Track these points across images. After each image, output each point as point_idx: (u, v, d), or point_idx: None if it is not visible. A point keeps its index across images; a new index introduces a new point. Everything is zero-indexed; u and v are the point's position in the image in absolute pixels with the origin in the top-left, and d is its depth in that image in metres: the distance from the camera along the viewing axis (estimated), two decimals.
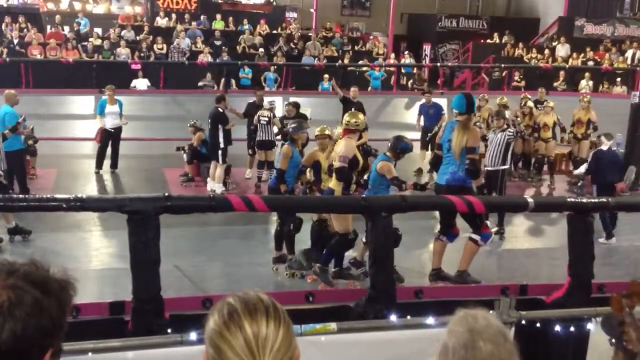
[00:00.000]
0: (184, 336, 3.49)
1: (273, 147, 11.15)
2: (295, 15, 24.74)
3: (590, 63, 21.21)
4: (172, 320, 4.28)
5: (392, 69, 20.50)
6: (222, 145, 10.81)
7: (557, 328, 4.07)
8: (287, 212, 6.77)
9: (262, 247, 7.97)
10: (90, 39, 19.36)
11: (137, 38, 19.89)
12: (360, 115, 7.44)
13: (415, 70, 20.71)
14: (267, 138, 11.24)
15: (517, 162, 12.76)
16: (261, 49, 19.85)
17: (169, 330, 3.98)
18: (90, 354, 3.35)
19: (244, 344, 1.40)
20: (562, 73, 19.78)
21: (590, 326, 3.94)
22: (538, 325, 4.09)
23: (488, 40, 23.89)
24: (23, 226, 8.13)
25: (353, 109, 10.09)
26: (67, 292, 1.39)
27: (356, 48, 22.13)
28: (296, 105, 11.75)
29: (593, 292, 4.93)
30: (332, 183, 6.89)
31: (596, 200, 5.88)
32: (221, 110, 10.87)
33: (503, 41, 23.22)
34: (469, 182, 6.70)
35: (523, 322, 4.00)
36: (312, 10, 24.94)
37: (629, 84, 19.07)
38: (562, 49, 22.00)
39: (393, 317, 4.12)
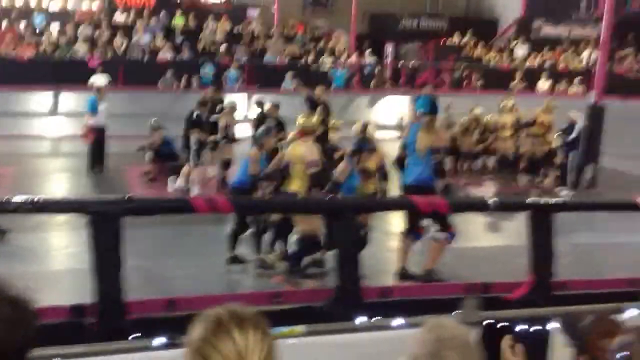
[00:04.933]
0: (149, 340, 3.44)
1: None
2: (256, 13, 24.62)
3: (548, 64, 21.64)
4: (136, 323, 4.22)
5: (354, 67, 20.59)
6: (194, 147, 10.71)
7: (519, 327, 4.13)
8: (254, 213, 6.76)
9: (236, 246, 7.89)
10: (47, 36, 18.97)
11: (96, 34, 19.55)
12: (314, 118, 7.59)
13: (377, 69, 20.83)
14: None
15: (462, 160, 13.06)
16: (222, 47, 19.71)
17: (134, 334, 3.92)
18: None
19: (235, 353, 1.48)
20: (519, 73, 20.15)
21: (551, 325, 4.00)
22: (502, 324, 4.14)
23: (449, 40, 24.17)
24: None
25: (319, 108, 10.17)
26: (30, 311, 1.44)
27: (318, 47, 22.15)
28: (268, 105, 11.71)
29: (554, 290, 5.03)
30: (296, 185, 6.90)
31: (555, 200, 6.00)
32: (196, 116, 10.73)
33: (463, 41, 23.53)
34: (434, 182, 6.77)
35: (487, 321, 4.05)
36: (273, 8, 24.86)
37: (585, 84, 19.53)
38: (520, 50, 22.39)
39: (360, 318, 4.14)
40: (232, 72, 18.19)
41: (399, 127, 15.64)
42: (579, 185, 12.10)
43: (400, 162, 7.07)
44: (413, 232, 6.80)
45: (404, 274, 6.81)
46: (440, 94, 13.98)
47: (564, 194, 11.59)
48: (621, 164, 13.14)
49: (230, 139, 11.39)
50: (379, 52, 23.62)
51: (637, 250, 7.40)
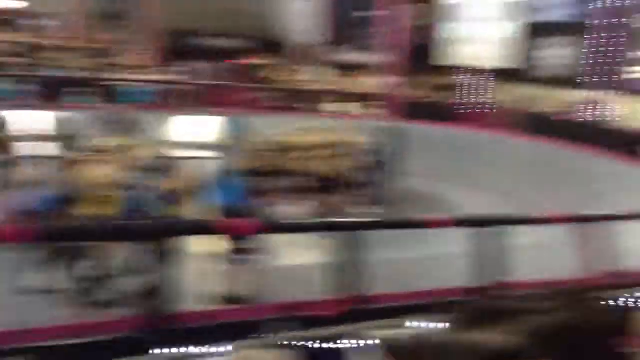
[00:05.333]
0: None
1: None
2: (45, 22, 23.09)
3: (339, 87, 22.98)
4: None
5: (152, 84, 20.08)
6: None
7: (327, 345, 4.20)
8: (58, 240, 6.24)
9: (25, 275, 7.20)
10: None
11: None
12: (115, 140, 7.34)
13: (176, 87, 20.54)
14: None
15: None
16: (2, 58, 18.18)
17: None
18: None
19: None
20: (308, 95, 21.33)
21: (365, 342, 4.10)
22: (313, 344, 4.19)
23: (246, 60, 24.64)
24: None
25: (117, 127, 9.76)
26: None
27: (113, 61, 21.30)
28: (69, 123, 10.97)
29: (368, 304, 5.23)
30: (91, 209, 6.54)
31: (363, 218, 6.27)
32: None
33: (260, 62, 24.18)
34: (245, 203, 6.77)
35: (300, 342, 4.07)
36: (65, 18, 23.50)
37: (378, 108, 21.11)
38: (309, 72, 23.67)
39: (174, 347, 3.96)
40: (6, 86, 16.75)
41: (202, 147, 15.53)
42: (384, 204, 12.80)
43: (211, 185, 6.98)
44: (229, 254, 6.73)
45: (222, 298, 6.72)
46: (241, 114, 14.10)
47: (370, 213, 12.19)
48: (422, 183, 14.10)
49: (13, 158, 10.50)
50: (177, 70, 23.38)
51: (440, 263, 7.96)
